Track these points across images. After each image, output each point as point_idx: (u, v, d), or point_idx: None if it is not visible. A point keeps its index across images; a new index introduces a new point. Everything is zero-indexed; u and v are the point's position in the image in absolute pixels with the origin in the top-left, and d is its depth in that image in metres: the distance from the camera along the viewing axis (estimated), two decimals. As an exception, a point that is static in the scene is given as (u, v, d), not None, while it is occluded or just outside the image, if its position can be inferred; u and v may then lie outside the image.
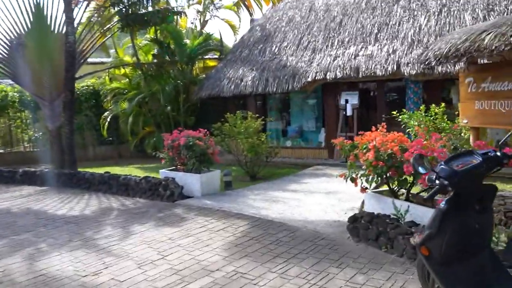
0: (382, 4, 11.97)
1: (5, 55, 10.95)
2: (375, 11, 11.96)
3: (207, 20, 17.93)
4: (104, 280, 4.24)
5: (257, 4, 17.98)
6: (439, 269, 2.66)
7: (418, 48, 10.06)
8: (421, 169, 2.64)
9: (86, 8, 12.51)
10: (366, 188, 5.44)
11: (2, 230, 6.37)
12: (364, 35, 11.46)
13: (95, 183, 9.25)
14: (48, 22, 11.01)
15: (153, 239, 5.49)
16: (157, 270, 4.43)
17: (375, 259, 4.39)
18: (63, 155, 10.97)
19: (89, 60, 14.02)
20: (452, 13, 10.34)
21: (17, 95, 14.77)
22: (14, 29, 10.83)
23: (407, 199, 5.20)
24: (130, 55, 15.31)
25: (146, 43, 15.24)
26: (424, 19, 10.70)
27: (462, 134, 7.42)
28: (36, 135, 15.18)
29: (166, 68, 14.59)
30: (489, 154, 2.65)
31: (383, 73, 10.10)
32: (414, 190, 5.41)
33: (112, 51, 16.55)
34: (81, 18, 12.03)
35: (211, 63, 16.04)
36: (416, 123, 7.83)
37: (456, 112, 7.90)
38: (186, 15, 15.56)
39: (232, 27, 18.13)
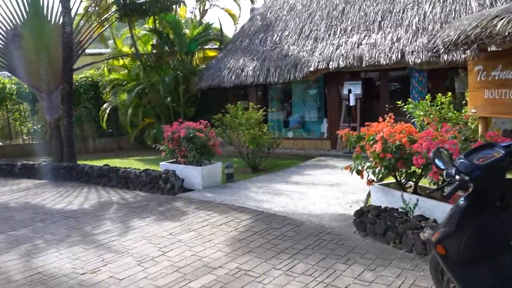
0: (386, -9, 11.71)
1: (1, 46, 10.72)
2: (378, -2, 11.70)
3: (207, 9, 17.70)
4: (103, 278, 4.09)
5: (257, -7, 17.70)
6: (457, 269, 2.50)
7: (423, 36, 9.84)
8: (440, 164, 2.46)
9: (83, -3, 12.28)
10: (373, 180, 5.27)
11: (-1, 226, 6.23)
12: (367, 23, 11.21)
13: (95, 176, 9.10)
14: (45, 12, 10.77)
15: (154, 234, 5.34)
16: (157, 267, 4.28)
17: (383, 255, 4.24)
18: (62, 148, 10.82)
19: (88, 51, 13.85)
20: (458, 0, 10.08)
21: (15, 87, 14.57)
22: (10, 19, 10.59)
23: (414, 192, 5.04)
24: (129, 45, 15.10)
25: (145, 33, 15.01)
26: (429, 6, 10.44)
27: (469, 124, 7.23)
28: (35, 127, 15.03)
29: (166, 59, 14.39)
30: None
31: (387, 62, 9.89)
32: (422, 182, 5.24)
33: (110, 42, 16.33)
34: (78, 8, 11.83)
35: (211, 53, 15.82)
36: (422, 113, 7.64)
37: (463, 102, 7.71)
38: (185, 4, 15.40)
39: (232, 16, 17.85)
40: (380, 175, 5.21)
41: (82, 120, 14.92)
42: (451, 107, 7.61)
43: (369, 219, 4.75)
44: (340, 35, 11.46)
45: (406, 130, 4.83)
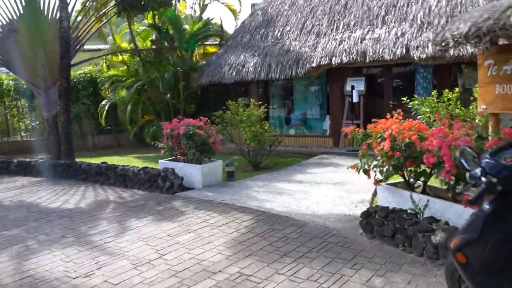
0: (390, -15, 11.44)
1: (-3, 41, 10.51)
2: (382, -8, 11.43)
3: (207, 5, 17.38)
4: (96, 283, 3.88)
5: (258, -13, 17.38)
6: (479, 280, 2.29)
7: (428, 30, 9.58)
8: (466, 165, 2.24)
9: (80, -8, 12.04)
10: (381, 180, 5.04)
11: (-9, 226, 6.02)
12: (370, 18, 10.96)
13: (92, 174, 8.88)
14: (41, 7, 10.56)
15: (151, 235, 5.13)
16: (154, 271, 4.07)
17: (392, 259, 4.02)
18: (60, 145, 10.60)
19: (86, 47, 13.62)
20: (464, -6, 9.82)
21: (13, 83, 14.33)
22: (6, 14, 10.37)
23: (424, 192, 4.82)
24: (128, 41, 14.83)
25: (144, 28, 14.74)
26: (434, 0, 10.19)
27: (477, 121, 7.00)
28: (33, 124, 14.82)
29: (165, 55, 14.15)
30: None
31: (391, 57, 9.64)
32: (430, 182, 5.02)
33: (109, 38, 16.08)
34: (75, 3, 11.55)
35: (212, 49, 15.57)
36: (428, 110, 7.41)
37: (472, 98, 7.47)
38: (185, 0, 15.07)
39: (233, 11, 17.53)
40: (387, 174, 4.99)
41: (81, 117, 14.71)
42: (458, 103, 7.38)
43: (376, 221, 4.53)
44: (343, 30, 11.20)
45: (416, 127, 4.61)
